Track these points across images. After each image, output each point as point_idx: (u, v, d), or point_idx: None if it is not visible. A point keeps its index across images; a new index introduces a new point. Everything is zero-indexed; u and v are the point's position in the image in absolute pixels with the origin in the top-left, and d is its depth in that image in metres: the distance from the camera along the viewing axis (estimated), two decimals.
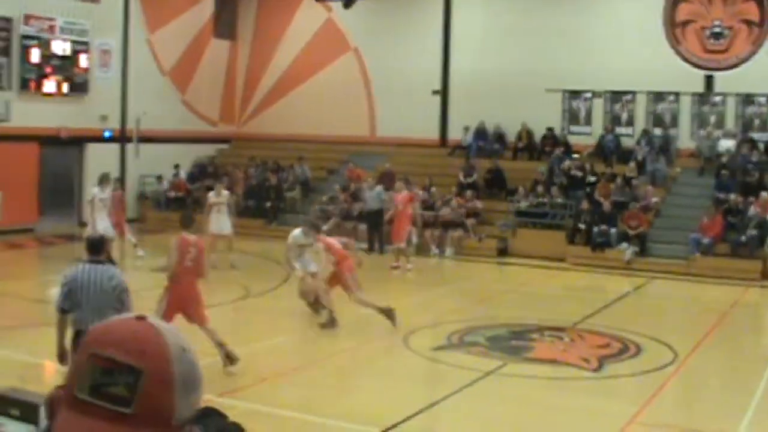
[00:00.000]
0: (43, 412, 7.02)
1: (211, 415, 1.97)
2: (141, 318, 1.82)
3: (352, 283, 18.28)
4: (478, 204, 30.05)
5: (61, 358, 10.69)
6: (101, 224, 23.19)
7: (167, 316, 13.11)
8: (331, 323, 17.88)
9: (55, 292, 16.89)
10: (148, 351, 1.75)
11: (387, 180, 31.15)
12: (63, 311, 10.62)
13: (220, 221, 25.27)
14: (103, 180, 24.61)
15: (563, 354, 16.52)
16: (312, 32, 38.08)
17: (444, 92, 35.37)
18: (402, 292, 23.66)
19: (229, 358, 13.75)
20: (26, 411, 7.66)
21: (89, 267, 10.62)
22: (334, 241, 18.86)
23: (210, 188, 28.30)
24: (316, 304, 18.55)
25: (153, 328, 1.80)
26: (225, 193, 26.61)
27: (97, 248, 10.98)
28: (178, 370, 1.77)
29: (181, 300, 13.00)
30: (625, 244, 27.26)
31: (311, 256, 18.41)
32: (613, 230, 27.65)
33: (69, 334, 10.66)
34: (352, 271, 18.42)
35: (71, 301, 10.48)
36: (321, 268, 18.27)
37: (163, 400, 1.73)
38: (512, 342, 17.33)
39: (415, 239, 27.54)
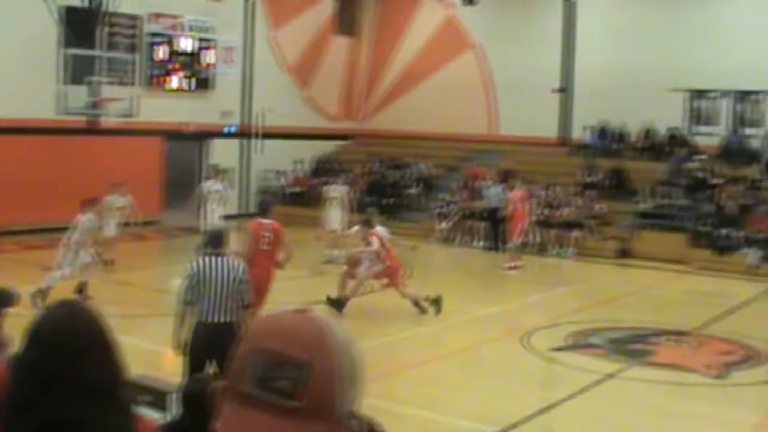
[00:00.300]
0: (172, 400, 7.15)
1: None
2: (303, 311, 1.83)
3: (401, 278, 18.80)
4: (599, 205, 29.71)
5: (178, 348, 10.92)
6: (216, 216, 23.53)
7: None
8: (337, 305, 18.36)
9: (177, 283, 17.20)
10: (314, 345, 1.76)
11: (507, 178, 31.03)
12: (186, 303, 10.85)
13: (331, 216, 25.55)
14: (216, 173, 25.03)
15: (685, 359, 16.26)
16: (433, 30, 38.07)
17: (565, 90, 35.07)
18: (520, 292, 23.59)
19: None
20: (157, 398, 7.85)
21: (212, 259, 10.87)
22: (384, 235, 19.10)
23: (326, 183, 28.53)
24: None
25: (317, 321, 1.81)
26: (340, 188, 26.82)
27: (219, 241, 11.21)
28: (342, 364, 1.78)
29: (257, 284, 13.12)
30: (750, 249, 26.71)
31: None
32: (737, 234, 27.11)
33: (188, 325, 10.88)
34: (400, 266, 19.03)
35: (194, 293, 10.70)
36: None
37: (327, 394, 1.74)
38: (632, 345, 17.12)
39: (528, 238, 27.27)
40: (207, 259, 10.91)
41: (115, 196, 22.64)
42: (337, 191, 26.36)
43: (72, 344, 3.01)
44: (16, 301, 6.93)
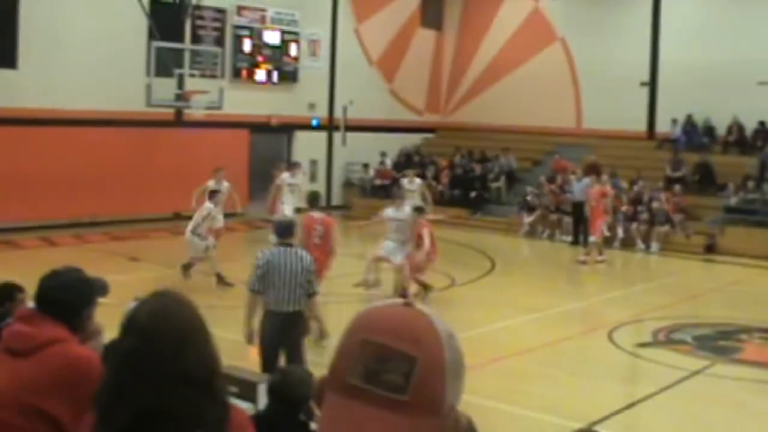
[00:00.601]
0: (260, 391, 7.22)
1: None
2: (409, 304, 1.83)
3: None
4: (685, 200, 29.37)
5: (249, 337, 11.22)
6: (288, 209, 23.72)
7: None
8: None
9: None
10: (422, 338, 1.77)
11: (593, 172, 30.80)
12: (256, 292, 11.10)
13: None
14: (293, 167, 25.31)
15: None
16: (518, 22, 37.91)
17: (652, 84, 34.68)
18: (605, 287, 23.42)
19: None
20: (244, 388, 7.93)
21: (281, 250, 11.14)
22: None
23: (404, 176, 28.47)
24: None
25: (424, 315, 1.81)
26: (417, 181, 26.83)
27: (287, 232, 11.49)
28: (449, 357, 1.79)
29: None
30: None
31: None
32: None
33: (258, 314, 11.18)
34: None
35: (264, 283, 10.95)
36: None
37: (436, 388, 1.75)
38: (720, 342, 16.93)
39: (607, 233, 26.92)
40: (276, 249, 11.19)
41: (213, 182, 22.84)
42: (414, 184, 26.33)
43: (168, 335, 3.05)
44: (107, 291, 7.05)
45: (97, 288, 6.75)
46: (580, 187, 28.37)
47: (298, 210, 23.18)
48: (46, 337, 4.19)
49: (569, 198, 29.64)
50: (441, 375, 1.76)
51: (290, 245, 11.28)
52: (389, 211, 19.41)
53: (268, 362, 10.88)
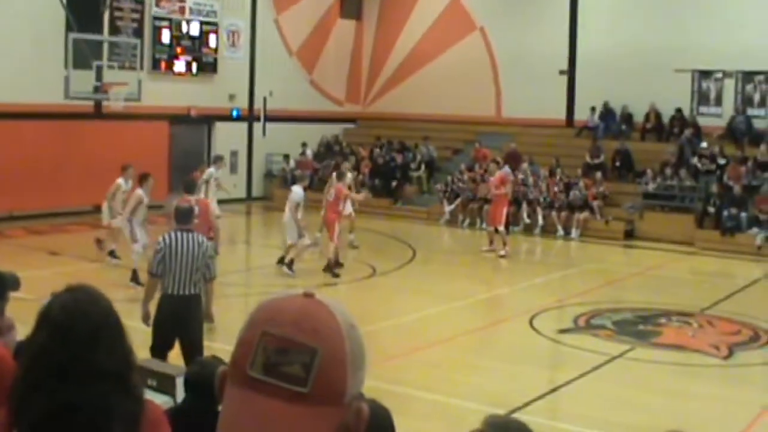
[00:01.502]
0: (178, 384, 7.16)
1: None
2: (309, 295, 1.81)
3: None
4: (603, 186, 29.66)
5: (145, 319, 11.44)
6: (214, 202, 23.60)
7: None
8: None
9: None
10: (323, 329, 1.75)
11: (513, 160, 31.04)
12: (155, 276, 11.32)
13: None
14: (217, 160, 25.08)
15: (692, 340, 16.29)
16: (437, 12, 37.99)
17: (571, 72, 34.97)
18: (527, 274, 23.58)
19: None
20: (163, 381, 7.86)
21: (180, 234, 11.35)
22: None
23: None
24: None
25: (324, 306, 1.80)
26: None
27: (187, 217, 11.80)
28: (350, 348, 1.77)
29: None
30: (756, 229, 26.68)
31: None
32: (743, 215, 27.07)
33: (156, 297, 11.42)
34: None
35: (163, 267, 11.15)
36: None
37: (336, 379, 1.73)
38: (639, 326, 17.14)
39: (527, 220, 26.78)
40: (175, 234, 11.38)
41: (123, 180, 22.68)
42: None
43: (82, 329, 3.01)
44: (18, 285, 6.96)
45: (8, 282, 6.66)
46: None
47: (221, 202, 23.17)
48: None
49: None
50: (342, 366, 1.74)
51: (190, 230, 11.50)
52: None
53: (158, 345, 11.09)
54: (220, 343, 12.45)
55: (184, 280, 11.16)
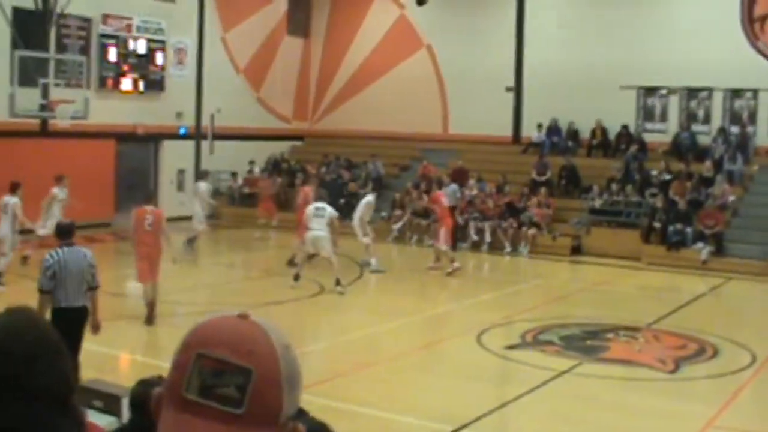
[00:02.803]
0: (124, 404, 7.11)
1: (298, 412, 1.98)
2: (244, 316, 1.82)
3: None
4: (552, 202, 29.83)
5: None
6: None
7: None
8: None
9: (133, 286, 17.38)
10: (257, 351, 1.75)
11: (460, 177, 31.17)
12: (46, 292, 11.61)
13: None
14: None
15: (638, 355, 16.39)
16: (385, 29, 38.12)
17: (517, 89, 35.18)
18: (474, 290, 23.64)
19: None
20: (109, 402, 7.82)
21: (66, 249, 11.84)
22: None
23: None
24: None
25: (258, 327, 1.80)
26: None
27: (69, 232, 12.15)
28: (285, 369, 1.77)
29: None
30: (701, 244, 26.94)
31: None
32: (688, 229, 27.32)
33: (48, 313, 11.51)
34: None
35: (54, 282, 11.53)
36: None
37: (272, 399, 1.74)
38: (587, 342, 17.22)
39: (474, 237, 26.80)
40: (62, 249, 11.79)
41: (59, 189, 22.75)
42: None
43: (17, 351, 2.97)
44: None
45: None
46: (449, 191, 28.54)
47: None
48: None
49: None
50: (277, 387, 1.75)
51: (73, 244, 11.93)
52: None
53: None
54: (167, 362, 12.34)
55: (75, 293, 11.60)
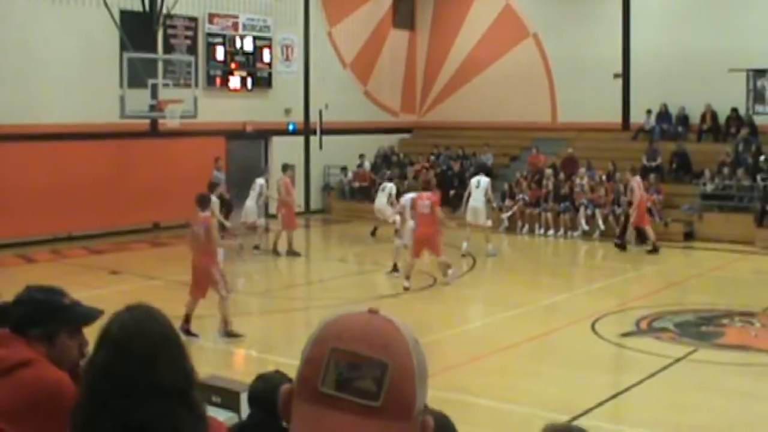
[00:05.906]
0: (243, 400, 7.23)
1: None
2: (374, 311, 1.87)
3: None
4: (663, 188, 29.43)
5: None
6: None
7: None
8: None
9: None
10: (391, 344, 1.80)
11: (570, 166, 30.96)
12: None
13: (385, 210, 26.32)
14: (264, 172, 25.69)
15: (755, 340, 16.17)
16: (491, 19, 37.97)
17: (625, 75, 34.78)
18: (587, 279, 23.51)
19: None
20: (227, 398, 7.94)
21: None
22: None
23: (391, 179, 28.92)
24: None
25: (390, 321, 1.85)
26: (388, 185, 27.35)
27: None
28: (416, 362, 1.82)
29: None
30: None
31: None
32: None
33: None
34: None
35: None
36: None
37: (406, 393, 1.78)
38: (702, 328, 17.03)
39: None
40: None
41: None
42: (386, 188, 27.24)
43: (140, 348, 3.04)
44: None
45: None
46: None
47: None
48: (17, 359, 4.07)
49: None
50: (411, 380, 1.79)
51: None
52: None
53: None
54: (283, 357, 12.52)
55: None
